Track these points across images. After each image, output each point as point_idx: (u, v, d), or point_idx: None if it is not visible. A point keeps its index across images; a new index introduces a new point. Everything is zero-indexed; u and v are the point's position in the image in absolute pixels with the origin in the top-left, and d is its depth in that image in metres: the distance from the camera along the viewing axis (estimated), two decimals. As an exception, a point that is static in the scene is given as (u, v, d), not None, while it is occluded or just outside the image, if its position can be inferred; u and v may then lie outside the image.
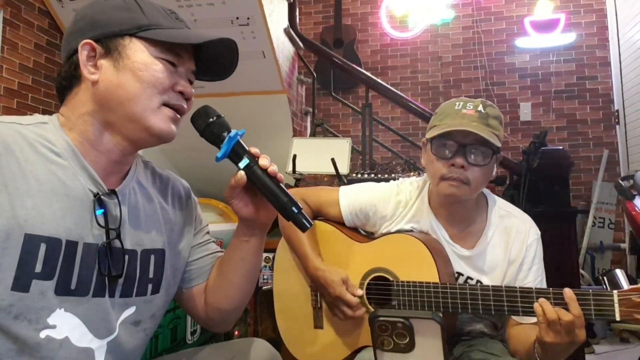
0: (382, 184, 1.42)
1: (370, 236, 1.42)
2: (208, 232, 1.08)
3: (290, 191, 1.43)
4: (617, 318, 1.00)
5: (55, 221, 0.78)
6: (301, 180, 2.48)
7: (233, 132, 0.88)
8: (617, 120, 4.31)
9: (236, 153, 0.88)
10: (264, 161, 0.88)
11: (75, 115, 0.85)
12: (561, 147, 3.39)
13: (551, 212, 2.54)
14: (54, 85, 0.90)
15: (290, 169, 2.49)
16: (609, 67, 4.38)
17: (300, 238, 1.36)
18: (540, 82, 4.51)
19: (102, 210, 0.83)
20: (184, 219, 1.01)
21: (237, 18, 2.91)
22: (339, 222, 1.42)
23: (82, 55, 0.82)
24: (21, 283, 0.75)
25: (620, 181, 2.67)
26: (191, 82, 0.91)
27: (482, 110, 1.20)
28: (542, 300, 1.05)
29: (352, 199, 1.39)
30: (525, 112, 4.51)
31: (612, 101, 4.37)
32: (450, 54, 4.72)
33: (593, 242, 4.00)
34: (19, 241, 0.75)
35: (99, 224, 0.83)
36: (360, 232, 1.45)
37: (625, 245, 3.95)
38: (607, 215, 4.14)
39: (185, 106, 0.89)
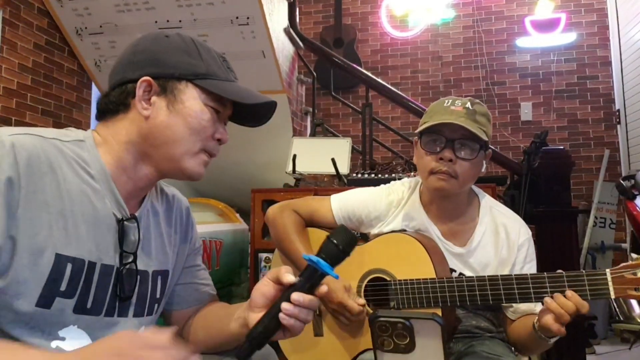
0: (372, 187, 1.44)
1: (364, 238, 1.42)
2: (200, 255, 1.09)
3: (281, 203, 1.43)
4: (612, 296, 1.03)
5: (82, 242, 0.80)
6: (301, 180, 2.47)
7: (334, 272, 0.81)
8: (618, 119, 4.30)
9: (312, 278, 0.81)
10: (296, 296, 0.79)
11: (115, 140, 0.87)
12: (562, 147, 3.38)
13: (552, 212, 2.54)
14: (99, 107, 0.90)
15: (290, 168, 2.48)
16: (610, 67, 4.37)
17: (297, 248, 1.35)
18: (541, 81, 4.51)
19: (122, 234, 0.86)
20: (181, 240, 1.03)
21: (237, 18, 2.90)
22: (332, 228, 1.41)
23: (140, 90, 0.85)
24: (45, 300, 0.77)
25: (622, 181, 2.67)
26: (225, 123, 0.95)
27: (470, 107, 1.24)
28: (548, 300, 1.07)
29: (344, 203, 1.40)
30: (526, 111, 4.51)
31: (613, 101, 4.36)
32: (450, 53, 4.72)
33: (594, 242, 3.99)
34: (50, 260, 0.77)
35: (120, 248, 0.86)
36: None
37: (626, 245, 3.94)
38: (608, 215, 4.13)
39: (218, 151, 0.93)
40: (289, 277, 0.82)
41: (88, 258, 0.81)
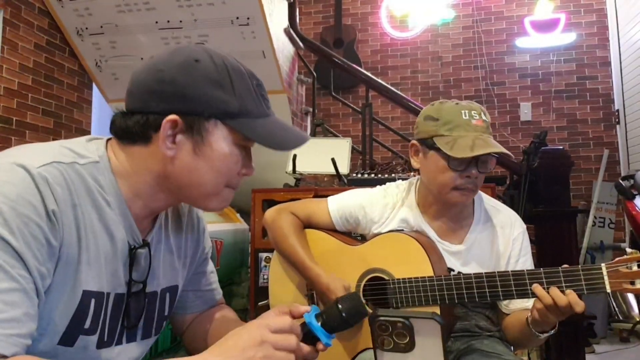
0: (369, 188, 1.44)
1: (362, 238, 1.42)
2: (209, 259, 1.07)
3: (278, 206, 1.44)
4: (608, 290, 1.03)
5: (102, 275, 0.77)
6: (301, 180, 2.48)
7: (328, 340, 0.79)
8: (617, 120, 4.31)
9: (310, 339, 0.79)
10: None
11: (133, 170, 0.80)
12: (561, 147, 3.39)
13: (551, 212, 2.54)
14: (115, 124, 0.82)
15: (290, 169, 2.48)
16: (609, 67, 4.38)
17: (297, 250, 1.35)
18: (540, 82, 4.51)
19: (132, 262, 0.83)
20: (193, 249, 1.00)
21: (237, 18, 2.91)
22: (329, 229, 1.42)
23: (164, 129, 0.76)
24: (68, 338, 0.74)
25: (621, 181, 2.68)
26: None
27: (486, 119, 1.24)
28: (536, 286, 1.09)
29: (341, 204, 1.40)
30: (526, 112, 4.51)
31: (612, 101, 4.37)
32: (450, 53, 4.72)
33: (593, 242, 4.00)
34: (77, 298, 0.74)
35: (130, 277, 0.82)
36: (352, 235, 1.46)
37: (625, 245, 3.95)
38: (607, 215, 4.14)
39: (240, 183, 0.86)
40: (301, 307, 0.81)
41: (106, 290, 0.78)
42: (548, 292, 1.06)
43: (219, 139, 0.79)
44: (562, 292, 1.05)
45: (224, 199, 0.84)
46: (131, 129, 0.79)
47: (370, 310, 1.09)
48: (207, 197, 0.82)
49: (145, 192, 0.81)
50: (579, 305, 1.04)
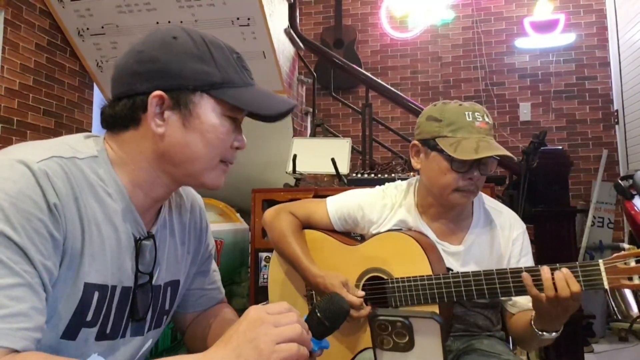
0: (368, 189, 1.44)
1: (361, 238, 1.43)
2: (212, 258, 1.07)
3: (277, 206, 1.44)
4: (606, 286, 1.04)
5: (106, 268, 0.78)
6: (301, 180, 2.48)
7: (315, 346, 0.76)
8: (616, 120, 4.32)
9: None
10: None
11: (128, 157, 0.81)
12: (560, 147, 3.40)
13: (550, 212, 2.55)
14: (104, 117, 0.83)
15: (290, 169, 2.49)
16: (609, 67, 4.39)
17: (294, 250, 1.36)
18: (539, 82, 4.52)
19: (138, 254, 0.83)
20: (195, 246, 1.01)
21: (238, 18, 2.92)
22: (328, 229, 1.43)
23: (152, 106, 0.77)
24: (71, 331, 0.75)
25: (620, 181, 2.68)
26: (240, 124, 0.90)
27: (489, 121, 1.23)
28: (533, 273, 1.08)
29: (339, 205, 1.41)
30: (525, 112, 4.52)
31: (611, 101, 4.38)
32: (450, 54, 4.73)
33: (592, 242, 4.01)
34: (79, 290, 0.74)
35: (137, 269, 0.83)
36: (351, 235, 1.46)
37: (624, 245, 3.96)
38: (606, 215, 4.15)
39: (235, 158, 0.87)
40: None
41: (110, 283, 0.78)
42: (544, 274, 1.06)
43: (207, 110, 0.80)
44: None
45: (220, 174, 0.85)
46: (120, 114, 0.80)
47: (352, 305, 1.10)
48: (203, 172, 0.82)
49: (144, 181, 0.82)
50: (574, 285, 1.03)
